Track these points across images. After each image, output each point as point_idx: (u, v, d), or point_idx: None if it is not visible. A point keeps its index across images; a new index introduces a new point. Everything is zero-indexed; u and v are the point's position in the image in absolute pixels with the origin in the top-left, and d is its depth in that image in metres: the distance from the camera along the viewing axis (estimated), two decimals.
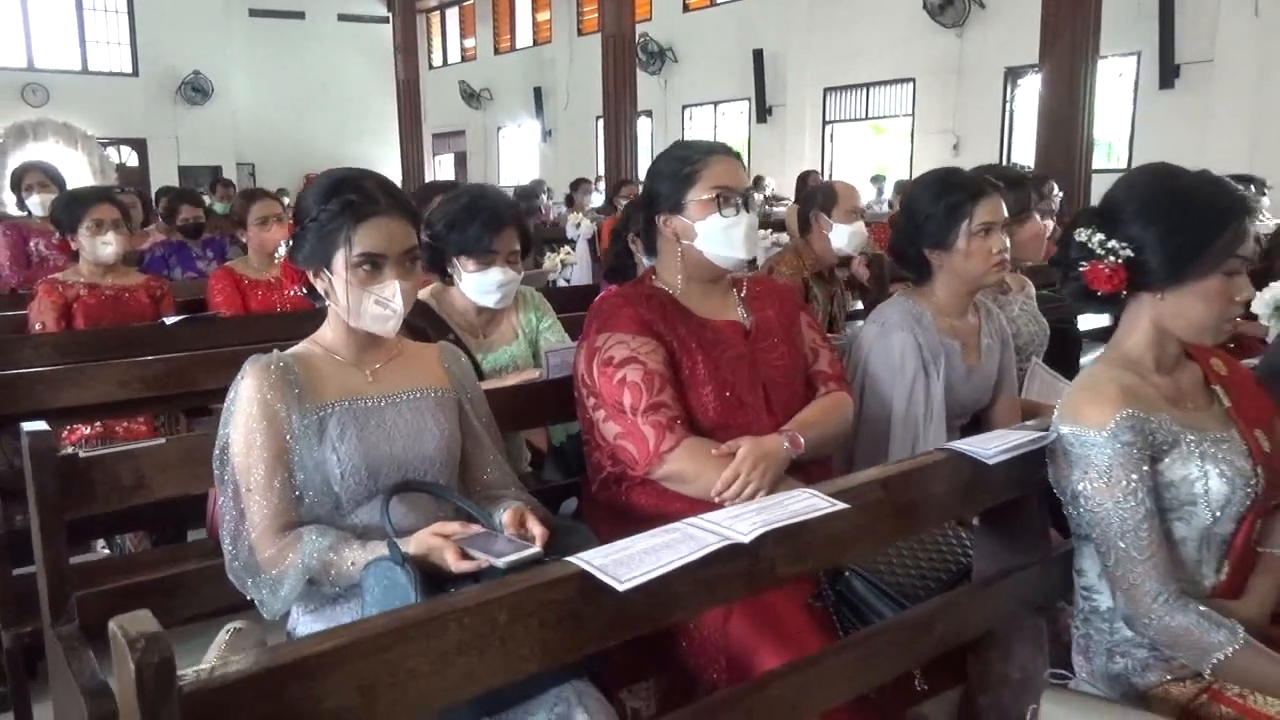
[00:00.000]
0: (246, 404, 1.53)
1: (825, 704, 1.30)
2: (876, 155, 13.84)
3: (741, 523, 1.13)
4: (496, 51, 20.57)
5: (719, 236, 1.86)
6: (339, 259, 1.56)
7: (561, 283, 6.45)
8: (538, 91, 19.03)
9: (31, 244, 4.72)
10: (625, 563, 1.03)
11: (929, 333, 2.09)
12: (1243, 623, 1.40)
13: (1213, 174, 1.45)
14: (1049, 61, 8.36)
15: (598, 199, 10.38)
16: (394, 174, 18.13)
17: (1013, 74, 12.04)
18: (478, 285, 2.29)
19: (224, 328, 2.98)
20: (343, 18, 21.27)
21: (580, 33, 17.76)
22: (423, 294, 2.39)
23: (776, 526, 1.11)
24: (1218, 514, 1.43)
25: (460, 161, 22.15)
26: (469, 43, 21.58)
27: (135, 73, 18.66)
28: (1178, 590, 1.39)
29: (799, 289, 3.11)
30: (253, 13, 20.30)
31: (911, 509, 1.37)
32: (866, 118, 14.06)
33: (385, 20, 18.08)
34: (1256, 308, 2.47)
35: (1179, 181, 1.45)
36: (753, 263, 2.46)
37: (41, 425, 1.49)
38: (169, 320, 3.00)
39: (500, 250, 2.27)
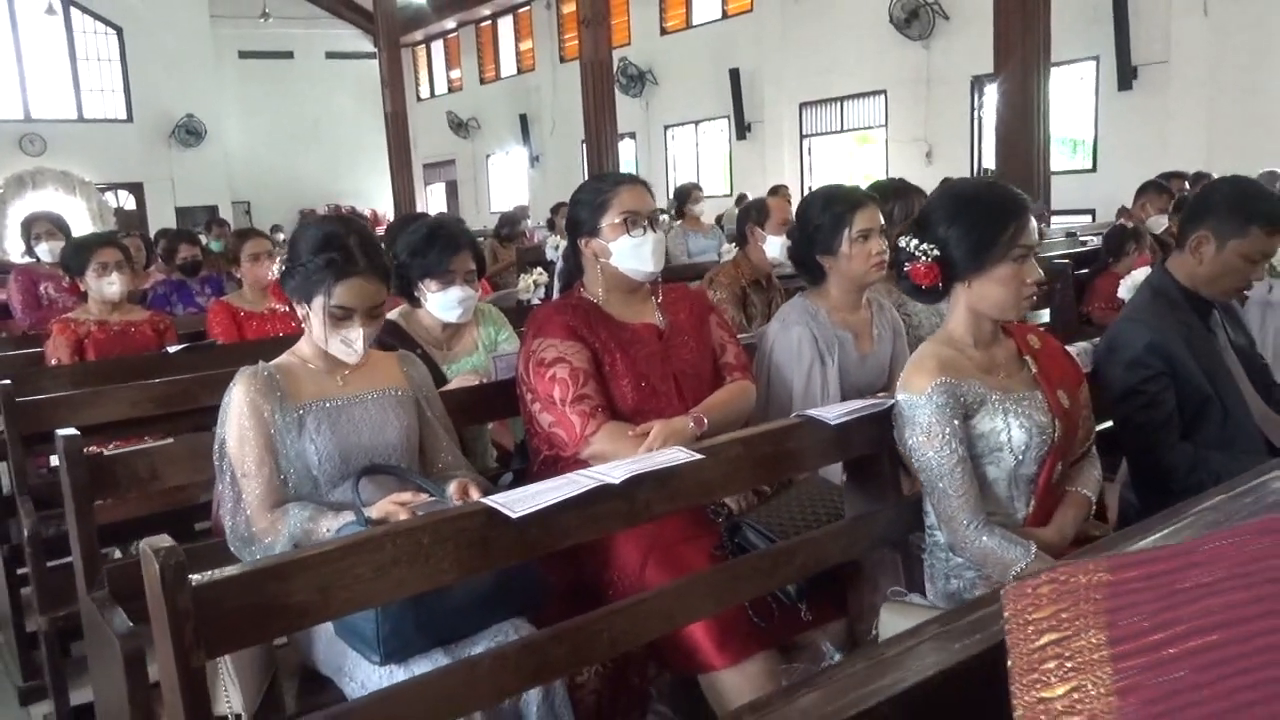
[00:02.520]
0: (238, 405, 1.88)
1: (696, 615, 1.64)
2: (854, 166, 14.23)
3: (617, 471, 1.48)
4: (482, 81, 21.04)
5: (630, 254, 2.21)
6: (318, 302, 1.92)
7: (536, 301, 6.79)
8: (523, 118, 19.47)
9: (41, 288, 5.09)
10: (522, 500, 1.38)
11: (824, 326, 2.43)
12: (1045, 546, 1.74)
13: (999, 182, 1.81)
14: (1004, 71, 8.73)
15: None
16: (385, 204, 18.58)
17: (978, 82, 12.42)
18: (441, 303, 2.65)
19: (220, 354, 3.33)
20: (330, 55, 21.78)
21: (563, 59, 18.21)
22: (393, 315, 2.75)
23: (643, 472, 1.46)
24: (1020, 458, 1.78)
25: (451, 190, 22.58)
26: (455, 74, 22.06)
27: (130, 118, 19.14)
28: (985, 519, 1.74)
29: (737, 296, 3.47)
30: (242, 54, 20.81)
31: (770, 460, 1.72)
32: (842, 130, 14.46)
33: (373, 56, 18.56)
34: (1122, 292, 2.83)
35: (970, 191, 1.81)
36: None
37: (73, 431, 1.84)
38: (172, 349, 3.36)
39: (458, 270, 2.62)
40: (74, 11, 18.39)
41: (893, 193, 2.83)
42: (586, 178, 12.05)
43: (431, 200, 22.46)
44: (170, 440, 1.99)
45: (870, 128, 14.04)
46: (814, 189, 2.58)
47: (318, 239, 1.92)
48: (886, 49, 13.15)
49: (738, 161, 15.62)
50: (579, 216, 2.28)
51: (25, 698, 2.92)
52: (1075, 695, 0.46)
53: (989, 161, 12.38)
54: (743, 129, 15.37)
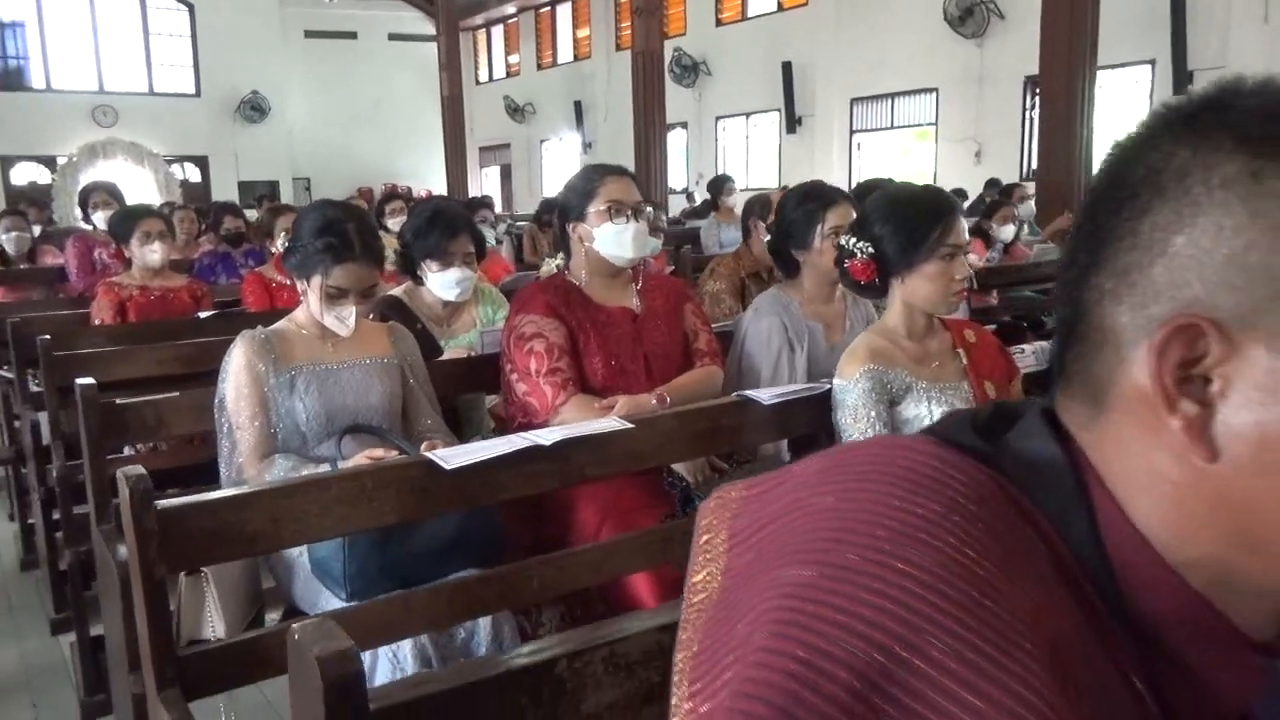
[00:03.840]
0: (236, 365, 2.08)
1: (622, 570, 1.81)
2: (903, 164, 14.19)
3: (552, 435, 1.64)
4: (539, 67, 21.28)
5: (612, 240, 2.37)
6: (316, 281, 2.11)
7: None
8: (578, 105, 19.68)
9: (96, 253, 5.40)
10: (460, 455, 1.55)
11: (795, 317, 2.57)
12: None
13: (932, 185, 1.94)
14: (1048, 72, 8.69)
15: None
16: (440, 186, 18.92)
17: (1031, 82, 12.30)
18: (440, 282, 2.83)
19: (245, 320, 3.56)
20: (393, 37, 22.18)
21: (618, 48, 18.36)
22: (396, 291, 2.95)
23: (573, 437, 1.62)
24: None
25: (505, 174, 22.89)
26: (513, 59, 22.34)
27: (198, 93, 19.71)
28: None
29: (735, 287, 3.61)
30: (308, 34, 21.29)
31: (706, 435, 1.87)
32: (892, 127, 14.43)
33: (434, 39, 18.87)
34: None
35: (904, 193, 1.94)
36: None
37: (90, 380, 2.05)
38: (202, 315, 3.60)
39: (456, 252, 2.81)
40: None
41: (868, 193, 2.94)
42: (634, 166, 12.15)
43: (486, 183, 22.78)
44: (176, 394, 2.19)
45: (920, 125, 13.99)
46: (794, 186, 2.71)
47: (319, 223, 2.12)
48: (939, 46, 13.09)
49: (787, 155, 15.66)
50: (569, 202, 2.45)
51: (55, 628, 3.19)
52: (706, 577, 0.61)
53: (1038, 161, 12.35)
54: (793, 122, 15.41)
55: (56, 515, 3.05)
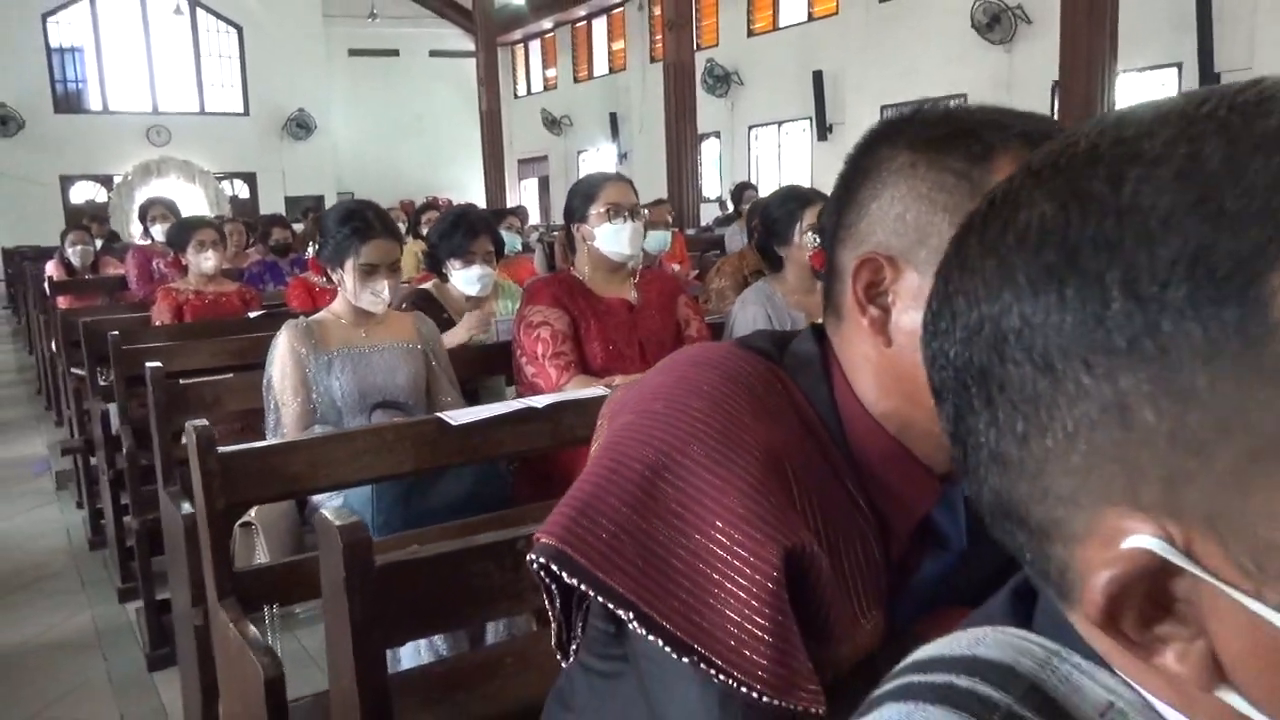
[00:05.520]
0: (281, 349, 2.41)
1: None
2: None
3: (546, 399, 1.94)
4: (575, 80, 21.69)
5: (611, 238, 2.67)
6: (349, 264, 2.43)
7: None
8: (613, 117, 20.03)
9: (154, 264, 5.82)
10: (465, 415, 1.85)
11: (779, 308, 2.85)
12: None
13: None
14: (1067, 77, 8.87)
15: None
16: (480, 198, 19.39)
17: (1059, 87, 12.43)
18: (464, 279, 3.15)
19: (290, 318, 3.90)
20: (434, 54, 22.71)
21: (652, 60, 18.66)
22: (427, 285, 3.28)
23: (562, 400, 1.92)
24: None
25: (544, 186, 23.30)
26: (550, 72, 22.77)
27: (246, 112, 20.35)
28: None
29: (738, 284, 3.88)
30: (351, 52, 21.88)
31: None
32: None
33: (473, 55, 19.35)
34: None
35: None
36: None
37: (158, 364, 2.39)
38: (251, 315, 3.95)
39: (477, 251, 3.12)
40: (199, 11, 19.69)
41: None
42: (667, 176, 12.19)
43: (525, 195, 23.22)
44: (230, 375, 2.52)
45: None
46: (775, 190, 2.99)
47: (341, 214, 2.45)
48: (968, 52, 13.26)
49: (818, 162, 15.84)
50: (573, 204, 2.75)
51: (122, 596, 3.56)
52: (595, 446, 0.91)
53: None
54: (824, 130, 15.61)
55: (124, 500, 3.41)
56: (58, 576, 3.90)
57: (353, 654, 1.05)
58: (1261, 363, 0.32)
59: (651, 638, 0.72)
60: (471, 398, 2.89)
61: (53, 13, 18.55)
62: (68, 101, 18.96)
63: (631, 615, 0.72)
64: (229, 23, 20.01)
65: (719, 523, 0.72)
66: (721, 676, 0.70)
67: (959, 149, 0.78)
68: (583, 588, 0.74)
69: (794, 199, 2.84)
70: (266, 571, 1.73)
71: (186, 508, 2.15)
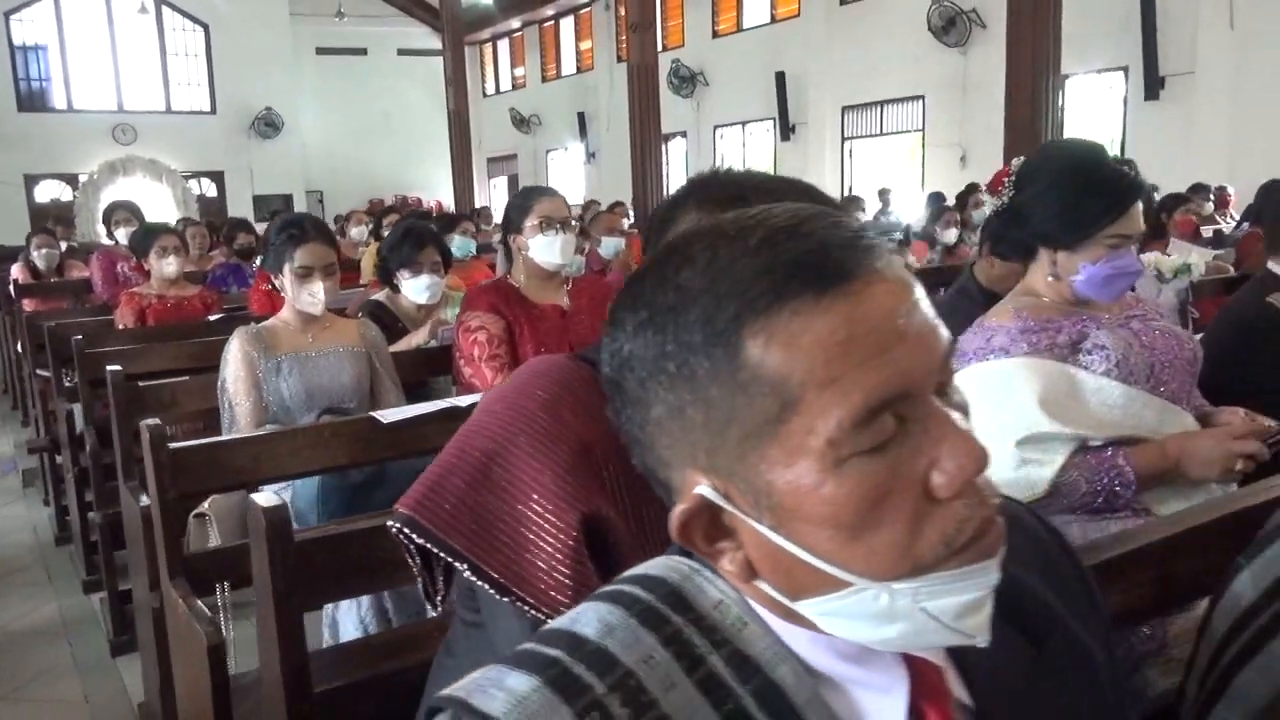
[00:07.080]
0: (234, 352, 2.60)
1: None
2: (891, 169, 14.65)
3: (469, 399, 2.15)
4: (544, 79, 21.84)
5: (543, 249, 2.87)
6: (287, 268, 2.62)
7: None
8: (581, 116, 20.20)
9: (119, 267, 5.95)
10: (395, 414, 2.06)
11: None
12: None
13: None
14: (1013, 79, 9.08)
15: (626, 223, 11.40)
16: (448, 197, 19.51)
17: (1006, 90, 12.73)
18: (413, 288, 3.35)
19: (247, 321, 4.08)
20: (402, 52, 22.78)
21: (619, 60, 18.81)
22: (379, 296, 3.48)
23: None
24: None
25: (513, 184, 23.41)
26: (519, 71, 22.91)
27: (213, 111, 20.33)
28: None
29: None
30: (319, 51, 21.89)
31: None
32: (881, 133, 14.89)
33: (441, 53, 19.46)
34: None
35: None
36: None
37: (118, 367, 2.57)
38: (211, 318, 4.13)
39: (424, 262, 3.32)
40: (165, 9, 19.66)
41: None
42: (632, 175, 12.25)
43: (494, 194, 23.35)
44: (186, 378, 2.71)
45: (908, 131, 14.45)
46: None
47: (280, 224, 2.67)
48: (925, 55, 13.53)
49: (782, 162, 16.10)
50: (509, 217, 2.95)
51: (86, 588, 3.74)
52: None
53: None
54: (787, 130, 15.87)
55: (89, 497, 3.58)
56: (25, 570, 4.06)
57: (274, 617, 1.26)
58: (741, 381, 0.54)
59: (480, 583, 0.93)
60: (422, 397, 3.09)
61: (15, 10, 18.48)
62: (32, 100, 18.89)
63: (466, 567, 0.94)
64: (195, 20, 19.99)
65: (535, 495, 0.94)
66: (534, 612, 0.92)
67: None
68: (429, 546, 0.96)
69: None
70: (215, 554, 1.93)
71: (144, 500, 2.35)
